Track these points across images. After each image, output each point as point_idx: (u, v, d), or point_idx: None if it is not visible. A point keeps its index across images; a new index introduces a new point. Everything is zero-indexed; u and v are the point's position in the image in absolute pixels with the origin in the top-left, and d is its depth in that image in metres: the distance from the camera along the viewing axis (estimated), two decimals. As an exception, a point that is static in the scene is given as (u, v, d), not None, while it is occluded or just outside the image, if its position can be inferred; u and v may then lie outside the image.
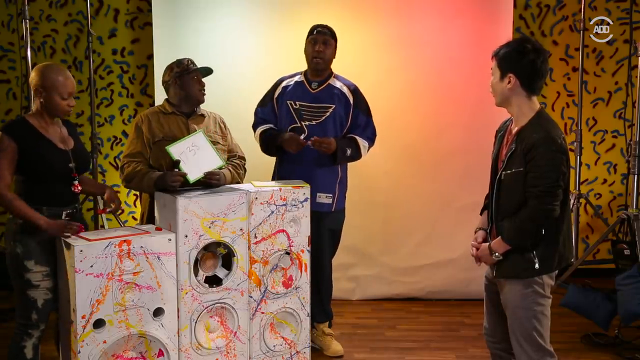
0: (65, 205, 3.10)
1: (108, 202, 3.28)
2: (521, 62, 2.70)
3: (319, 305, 3.97)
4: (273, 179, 3.93)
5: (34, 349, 3.06)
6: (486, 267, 2.96)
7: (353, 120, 3.90)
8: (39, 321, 3.04)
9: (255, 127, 3.99)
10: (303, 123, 3.83)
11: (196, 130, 3.44)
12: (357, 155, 3.89)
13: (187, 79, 3.52)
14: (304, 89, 3.89)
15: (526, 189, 2.67)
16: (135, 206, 5.29)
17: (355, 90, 3.93)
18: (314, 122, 3.83)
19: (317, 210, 3.76)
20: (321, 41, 3.83)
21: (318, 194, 3.81)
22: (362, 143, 3.89)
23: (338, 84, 3.92)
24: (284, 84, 3.96)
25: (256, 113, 4.00)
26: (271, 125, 3.93)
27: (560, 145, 2.65)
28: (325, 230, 3.90)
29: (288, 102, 3.87)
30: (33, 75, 3.07)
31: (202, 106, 3.63)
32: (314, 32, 3.87)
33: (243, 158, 3.70)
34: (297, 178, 3.69)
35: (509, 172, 2.74)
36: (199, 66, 3.58)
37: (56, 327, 3.20)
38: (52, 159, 3.06)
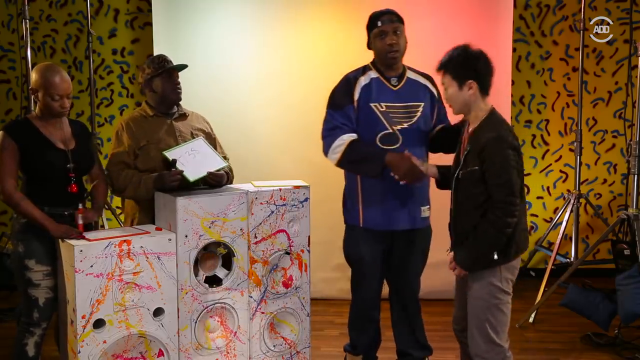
0: (66, 205, 3.09)
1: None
2: (477, 66, 2.79)
3: (415, 340, 3.55)
4: (352, 194, 3.36)
5: (35, 346, 3.08)
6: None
7: (437, 114, 3.38)
8: (40, 319, 3.06)
9: (334, 134, 3.23)
10: (395, 128, 3.23)
11: (196, 137, 3.36)
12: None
13: (159, 80, 3.36)
14: (385, 87, 3.26)
15: (488, 188, 2.75)
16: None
17: (432, 80, 3.38)
18: (405, 125, 3.23)
19: (417, 228, 3.33)
20: (392, 31, 3.21)
21: (422, 208, 3.34)
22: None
23: (415, 76, 3.36)
24: (361, 82, 3.26)
25: (333, 117, 3.25)
26: (355, 135, 3.23)
27: (510, 142, 2.75)
28: (419, 251, 3.44)
29: (372, 104, 3.22)
30: (32, 75, 3.09)
31: (189, 106, 3.51)
32: (380, 23, 3.23)
33: (227, 158, 3.53)
34: (393, 190, 3.23)
35: (464, 171, 2.84)
36: (175, 64, 3.39)
37: (57, 326, 3.20)
38: (50, 159, 3.05)
